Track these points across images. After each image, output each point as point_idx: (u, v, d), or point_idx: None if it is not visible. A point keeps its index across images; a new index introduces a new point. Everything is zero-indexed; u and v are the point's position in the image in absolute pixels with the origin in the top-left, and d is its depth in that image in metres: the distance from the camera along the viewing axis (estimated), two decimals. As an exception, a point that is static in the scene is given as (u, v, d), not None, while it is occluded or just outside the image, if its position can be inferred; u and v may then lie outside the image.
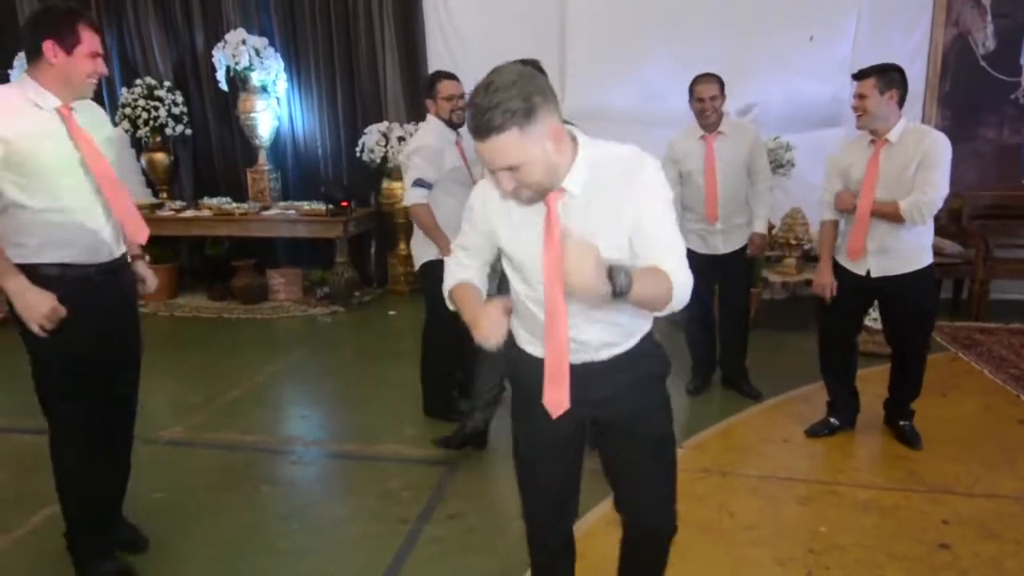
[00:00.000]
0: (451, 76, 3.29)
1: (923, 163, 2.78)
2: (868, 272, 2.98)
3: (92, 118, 2.26)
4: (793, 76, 5.10)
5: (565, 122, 1.51)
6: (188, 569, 2.46)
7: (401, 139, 5.50)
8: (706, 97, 3.38)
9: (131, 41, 6.16)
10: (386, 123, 5.63)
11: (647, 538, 1.81)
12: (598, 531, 2.51)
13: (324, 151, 6.05)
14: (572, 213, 1.49)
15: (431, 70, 5.53)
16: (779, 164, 4.91)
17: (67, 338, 2.11)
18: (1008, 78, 5.09)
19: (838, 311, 3.11)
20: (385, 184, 5.76)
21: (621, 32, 5.23)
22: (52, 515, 2.60)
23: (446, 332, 3.39)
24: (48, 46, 2.06)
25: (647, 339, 1.68)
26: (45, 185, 2.09)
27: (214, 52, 5.71)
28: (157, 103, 5.89)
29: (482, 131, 1.36)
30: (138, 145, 6.16)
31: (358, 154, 5.66)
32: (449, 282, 1.73)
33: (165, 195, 6.18)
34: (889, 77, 2.81)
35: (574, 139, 1.51)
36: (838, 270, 3.08)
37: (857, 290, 3.03)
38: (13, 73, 5.92)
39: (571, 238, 1.32)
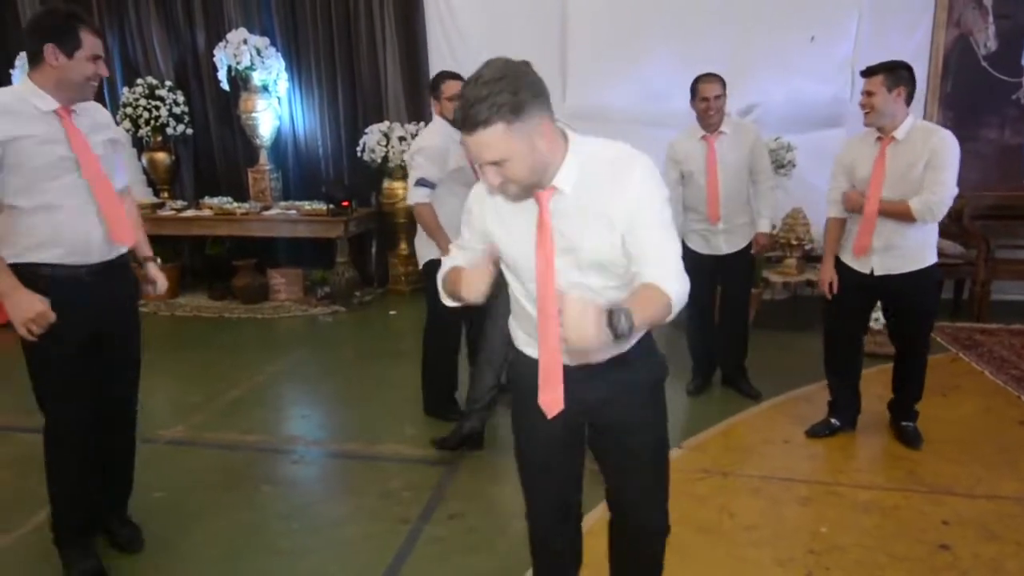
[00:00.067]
0: (456, 76, 3.29)
1: (932, 162, 2.78)
2: (872, 270, 2.98)
3: (95, 120, 2.28)
4: (794, 76, 5.10)
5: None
6: (188, 568, 2.46)
7: (402, 139, 5.51)
8: (710, 96, 3.38)
9: (132, 40, 6.16)
10: (387, 123, 5.63)
11: (639, 536, 1.81)
12: (599, 531, 2.49)
13: (325, 151, 6.05)
14: (563, 211, 1.49)
15: (432, 69, 5.56)
16: (780, 164, 4.91)
17: (56, 338, 2.12)
18: (1009, 79, 5.08)
19: (842, 309, 3.11)
20: (386, 184, 5.77)
21: (622, 31, 5.24)
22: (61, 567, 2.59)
23: (447, 332, 3.41)
24: (49, 50, 2.08)
25: (643, 343, 1.65)
26: (38, 186, 2.11)
27: (215, 52, 5.72)
28: (158, 103, 5.89)
29: (468, 124, 1.36)
30: (139, 145, 6.17)
31: (359, 154, 5.66)
32: (441, 275, 1.72)
33: (166, 195, 6.19)
34: (897, 75, 2.81)
35: (565, 137, 1.50)
36: (842, 268, 3.08)
37: (860, 288, 3.03)
38: (15, 73, 5.94)
39: (568, 297, 1.31)
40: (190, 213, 5.77)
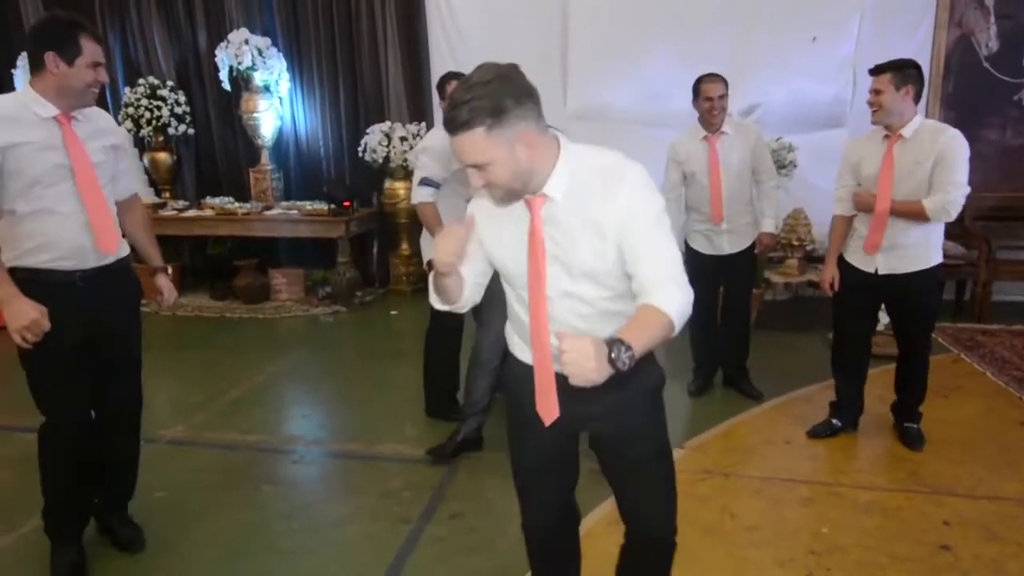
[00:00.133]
0: (460, 77, 3.30)
1: (942, 162, 2.78)
2: (876, 270, 2.98)
3: (96, 126, 2.29)
4: (796, 77, 5.10)
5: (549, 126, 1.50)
6: (189, 568, 2.46)
7: (403, 139, 5.51)
8: (715, 96, 3.38)
9: (134, 41, 6.17)
10: (388, 123, 5.63)
11: (646, 548, 1.78)
12: (599, 531, 2.50)
13: (326, 151, 6.06)
14: (555, 219, 1.48)
15: (433, 70, 5.58)
16: (781, 165, 4.90)
17: (48, 342, 2.13)
18: (1011, 79, 5.08)
19: (846, 309, 3.12)
20: (387, 184, 5.77)
21: (623, 32, 5.23)
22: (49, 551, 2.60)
23: (450, 333, 3.41)
24: (50, 58, 2.10)
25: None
26: (36, 192, 2.14)
27: (217, 52, 5.72)
28: (160, 103, 5.90)
29: (450, 125, 1.40)
30: (141, 145, 6.18)
31: (360, 154, 5.66)
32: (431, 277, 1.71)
33: (168, 195, 6.19)
34: (905, 73, 2.81)
35: (558, 143, 1.49)
36: (846, 268, 3.08)
37: (864, 287, 3.03)
38: (16, 73, 5.95)
39: (566, 339, 1.30)
40: (191, 213, 5.78)
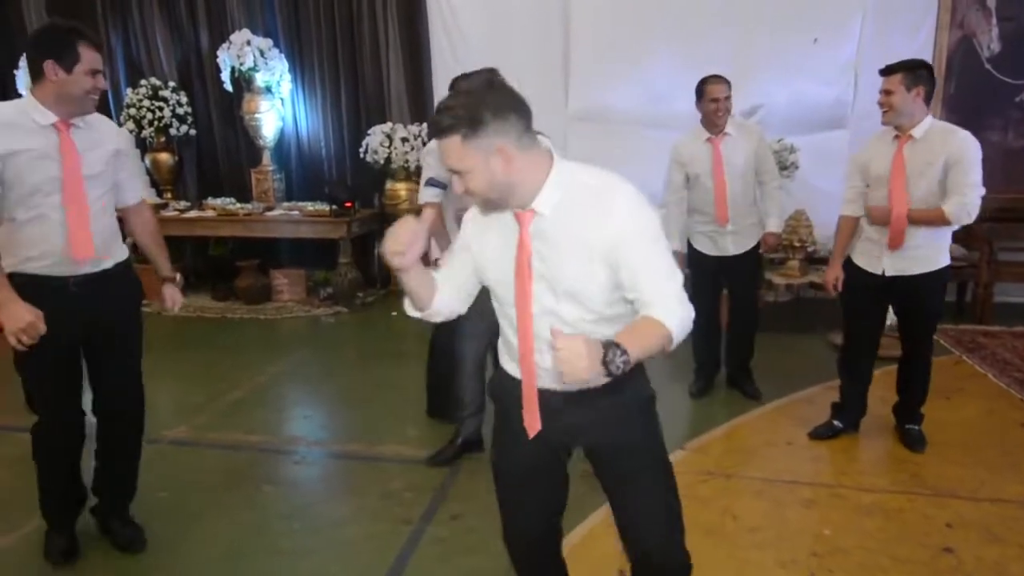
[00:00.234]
0: None
1: (956, 165, 2.77)
2: (883, 271, 2.97)
3: (97, 134, 2.30)
4: (797, 78, 5.10)
5: (539, 133, 1.50)
6: (190, 568, 2.46)
7: (405, 140, 5.51)
8: (720, 97, 3.38)
9: (136, 41, 6.18)
10: (390, 124, 5.63)
11: (651, 571, 1.69)
12: (599, 532, 2.50)
13: (328, 152, 6.06)
14: (543, 235, 1.48)
15: (435, 72, 5.58)
16: (783, 166, 4.90)
17: (42, 343, 2.16)
18: (1013, 81, 5.07)
19: (855, 311, 3.12)
20: (389, 185, 5.77)
21: (625, 33, 5.24)
22: (44, 535, 2.60)
23: (453, 334, 3.41)
24: (48, 65, 2.12)
25: (623, 375, 1.59)
26: (33, 200, 2.17)
27: (219, 53, 5.73)
28: (162, 103, 5.91)
29: (432, 129, 1.45)
30: (142, 145, 6.17)
31: (362, 155, 5.66)
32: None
33: (169, 195, 6.20)
34: (916, 74, 2.80)
35: (551, 158, 1.49)
36: (853, 269, 3.07)
37: (871, 289, 3.02)
38: (19, 76, 5.96)
39: (560, 337, 1.32)
40: (193, 214, 5.78)
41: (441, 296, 1.65)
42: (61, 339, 2.23)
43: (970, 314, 5.01)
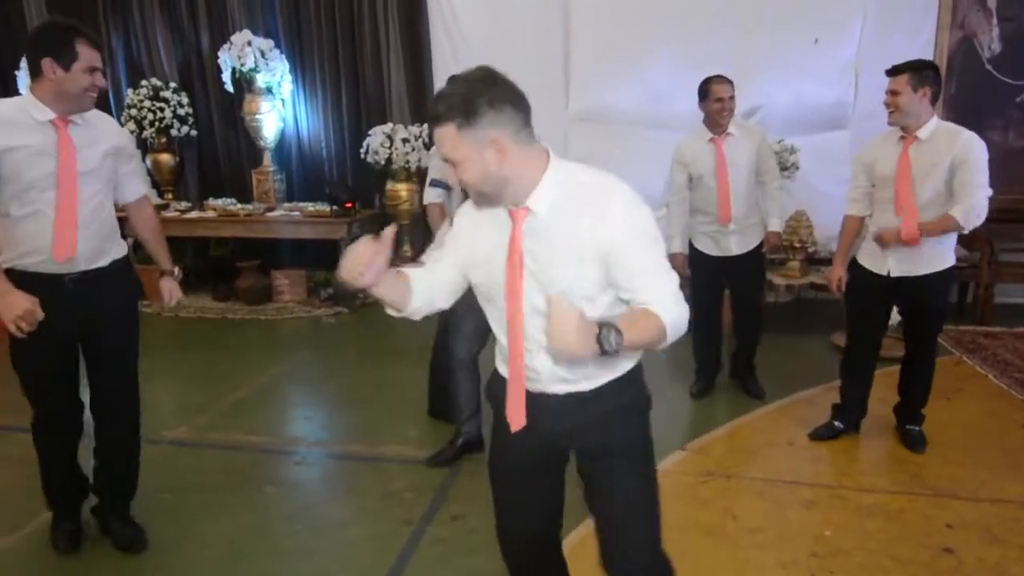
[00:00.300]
0: None
1: (962, 167, 2.77)
2: (888, 272, 2.97)
3: (96, 131, 2.31)
4: (798, 79, 5.09)
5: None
6: (192, 569, 2.47)
7: (405, 140, 5.51)
8: (724, 97, 3.39)
9: (137, 42, 6.18)
10: (390, 125, 5.63)
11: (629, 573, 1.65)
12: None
13: (328, 152, 6.06)
14: (536, 233, 1.47)
15: (435, 72, 5.57)
16: (784, 167, 4.90)
17: (36, 342, 2.19)
18: (1014, 81, 5.07)
19: (860, 311, 3.12)
20: (389, 185, 5.77)
21: (625, 34, 5.24)
22: (50, 522, 2.62)
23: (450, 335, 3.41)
24: (47, 63, 2.13)
25: (631, 372, 1.61)
26: (29, 196, 2.18)
27: (219, 53, 5.73)
28: (163, 104, 5.91)
29: (428, 117, 1.46)
30: (143, 146, 6.17)
31: (362, 155, 5.66)
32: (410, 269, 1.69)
33: (170, 196, 6.20)
34: (923, 74, 2.80)
35: (547, 157, 1.48)
36: (858, 270, 3.07)
37: (875, 289, 3.02)
38: (20, 74, 5.97)
39: (555, 304, 1.32)
40: (194, 215, 5.78)
41: (421, 294, 1.63)
42: (57, 336, 2.26)
43: (971, 315, 5.01)
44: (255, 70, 5.63)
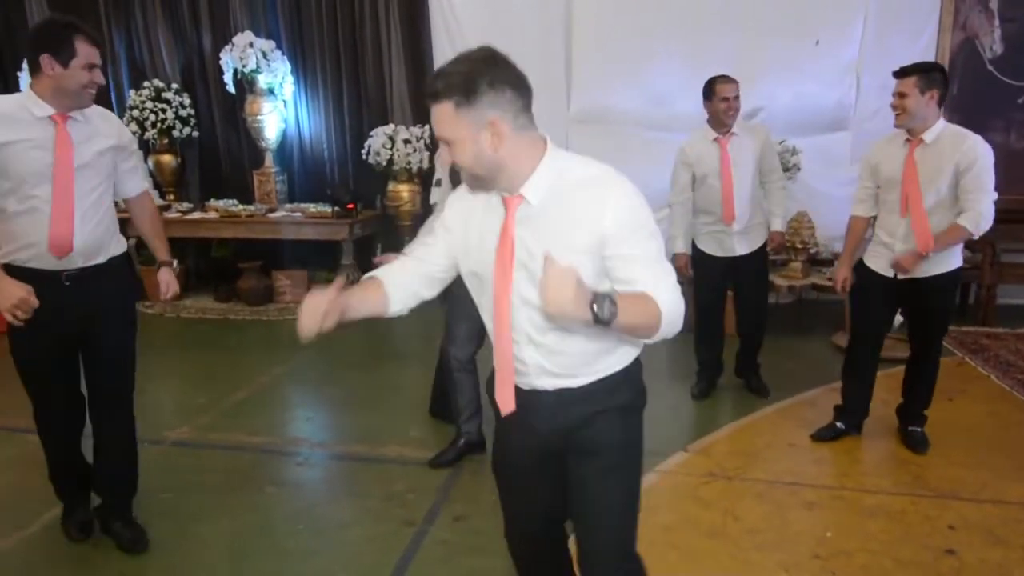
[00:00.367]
0: None
1: (968, 172, 2.77)
2: (895, 274, 2.97)
3: (96, 128, 2.32)
4: (799, 80, 5.10)
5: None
6: (193, 569, 2.47)
7: (407, 141, 5.52)
8: (731, 96, 3.39)
9: (139, 43, 6.19)
10: (392, 126, 5.64)
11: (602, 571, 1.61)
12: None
13: (330, 153, 6.07)
14: (529, 223, 1.44)
15: (437, 73, 5.57)
16: (785, 168, 4.90)
17: (33, 337, 2.22)
18: (1015, 82, 5.07)
19: (865, 312, 3.11)
20: (391, 186, 5.77)
21: (626, 35, 5.24)
22: (60, 515, 2.63)
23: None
24: (45, 60, 2.15)
25: (610, 378, 1.57)
26: (25, 190, 2.19)
27: (221, 55, 5.73)
28: (165, 105, 5.92)
29: (426, 93, 1.40)
30: (145, 147, 6.18)
31: (364, 156, 5.67)
32: (382, 270, 1.68)
33: (172, 197, 6.20)
34: (931, 77, 2.79)
35: (545, 146, 1.45)
36: (864, 271, 3.07)
37: (883, 291, 3.02)
38: (22, 75, 5.98)
39: (552, 263, 1.27)
40: (196, 215, 5.79)
41: (399, 295, 1.62)
42: (55, 334, 2.27)
43: (973, 316, 5.00)
44: (257, 71, 5.64)
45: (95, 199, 2.31)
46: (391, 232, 5.97)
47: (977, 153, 2.76)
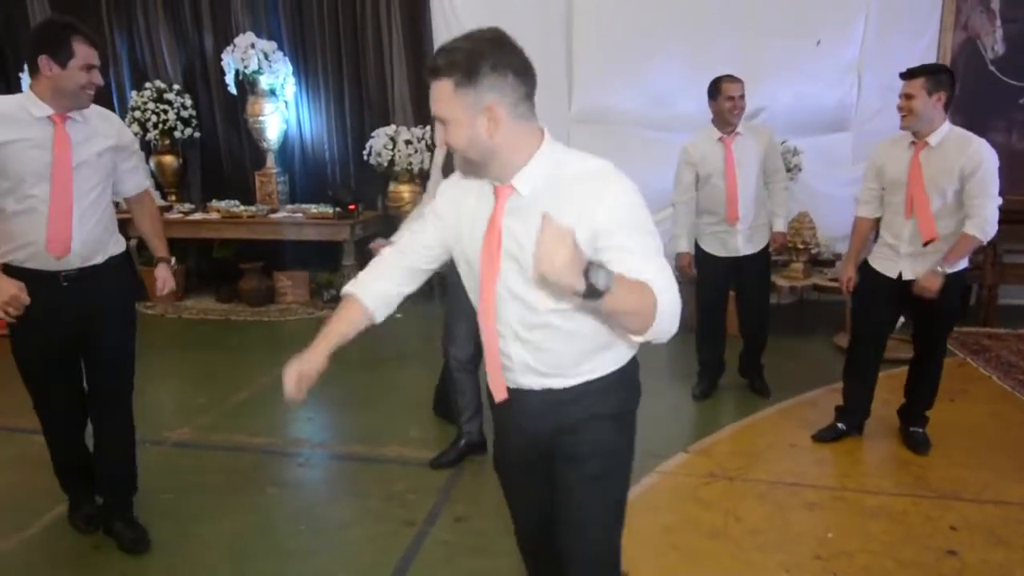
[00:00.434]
0: None
1: (973, 177, 2.76)
2: (900, 275, 2.96)
3: (95, 128, 2.32)
4: (800, 80, 5.09)
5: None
6: (195, 569, 2.47)
7: (408, 142, 5.53)
8: (736, 95, 3.40)
9: (141, 44, 6.20)
10: (393, 127, 5.65)
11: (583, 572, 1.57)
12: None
13: (332, 154, 6.07)
14: (519, 214, 1.40)
15: (438, 73, 5.57)
16: (786, 168, 4.90)
17: (31, 337, 2.24)
18: (1017, 83, 5.06)
19: (869, 314, 3.11)
20: (392, 187, 5.78)
21: (628, 35, 5.24)
22: (62, 514, 2.65)
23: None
24: (43, 60, 2.16)
25: (602, 380, 1.53)
26: (23, 190, 2.20)
27: (223, 56, 5.74)
28: (166, 106, 5.93)
29: (426, 70, 1.37)
30: (147, 148, 6.18)
31: (365, 157, 5.68)
32: (360, 278, 1.68)
33: (173, 198, 6.21)
34: (938, 79, 2.78)
35: (541, 138, 1.42)
36: (869, 272, 3.07)
37: (887, 292, 3.01)
38: (23, 76, 5.99)
39: (550, 221, 1.17)
40: (197, 216, 5.79)
41: (380, 303, 1.65)
42: (54, 334, 2.28)
43: (974, 316, 4.99)
44: (258, 72, 5.65)
45: (94, 199, 2.32)
46: (392, 233, 5.96)
47: (982, 157, 2.76)
